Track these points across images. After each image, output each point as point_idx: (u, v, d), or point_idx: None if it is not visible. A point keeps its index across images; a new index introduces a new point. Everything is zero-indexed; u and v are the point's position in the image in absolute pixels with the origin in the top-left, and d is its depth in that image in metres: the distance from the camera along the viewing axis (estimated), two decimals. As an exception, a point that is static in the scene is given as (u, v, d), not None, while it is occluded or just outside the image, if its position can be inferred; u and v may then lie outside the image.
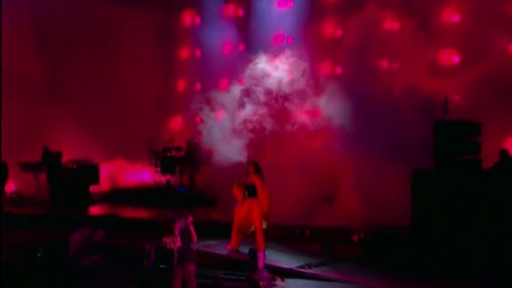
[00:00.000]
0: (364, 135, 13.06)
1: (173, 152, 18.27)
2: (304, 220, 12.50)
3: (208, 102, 13.50)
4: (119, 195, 16.83)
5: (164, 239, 8.68)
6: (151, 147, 18.36)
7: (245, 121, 13.23)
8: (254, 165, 10.85)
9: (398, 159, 12.27)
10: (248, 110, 13.28)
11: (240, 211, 10.91)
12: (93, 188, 16.90)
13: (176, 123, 20.39)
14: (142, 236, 11.35)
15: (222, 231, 11.68)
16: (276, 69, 13.54)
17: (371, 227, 11.93)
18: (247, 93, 13.35)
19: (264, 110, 13.38)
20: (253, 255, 9.98)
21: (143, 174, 18.89)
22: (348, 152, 13.15)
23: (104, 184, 17.32)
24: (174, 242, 8.53)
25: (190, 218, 8.70)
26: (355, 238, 11.64)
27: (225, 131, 12.97)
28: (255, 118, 13.25)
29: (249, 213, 10.77)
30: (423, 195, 10.53)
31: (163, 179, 18.09)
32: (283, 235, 12.12)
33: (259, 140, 13.33)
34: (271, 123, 13.37)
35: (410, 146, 12.48)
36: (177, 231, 8.54)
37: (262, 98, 13.43)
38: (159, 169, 18.22)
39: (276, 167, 12.62)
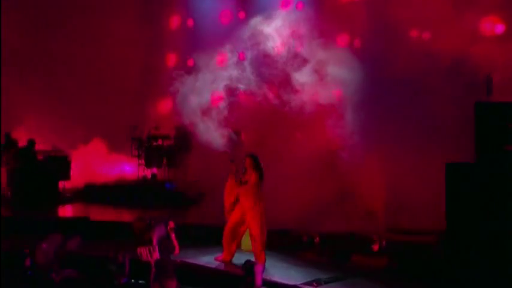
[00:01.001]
0: (388, 120, 12.98)
1: (160, 141, 18.21)
2: (313, 225, 12.37)
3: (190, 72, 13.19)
4: (94, 193, 16.84)
5: (139, 250, 8.61)
6: (134, 135, 18.30)
7: (238, 98, 12.93)
8: (252, 158, 10.53)
9: (430, 149, 12.16)
10: (243, 84, 12.96)
11: (233, 213, 10.73)
12: (62, 184, 16.85)
13: (164, 106, 20.17)
14: (116, 244, 11.07)
15: (211, 237, 11.62)
16: (281, 39, 13.23)
17: (395, 233, 11.86)
18: (241, 63, 13.04)
19: (264, 85, 13.24)
20: (249, 268, 9.56)
21: (124, 167, 18.89)
22: (368, 141, 13.04)
23: (76, 179, 17.33)
24: (151, 254, 8.47)
25: (172, 224, 8.70)
26: (376, 247, 11.49)
27: (211, 110, 12.69)
28: (250, 93, 13.00)
29: (244, 217, 10.60)
30: (460, 194, 10.21)
31: (148, 173, 18.07)
32: (286, 243, 12.00)
33: (256, 125, 13.33)
34: (273, 103, 13.22)
35: (444, 133, 12.48)
36: (155, 241, 8.48)
37: (263, 70, 13.19)
38: (143, 161, 18.23)
39: (278, 159, 12.51)
